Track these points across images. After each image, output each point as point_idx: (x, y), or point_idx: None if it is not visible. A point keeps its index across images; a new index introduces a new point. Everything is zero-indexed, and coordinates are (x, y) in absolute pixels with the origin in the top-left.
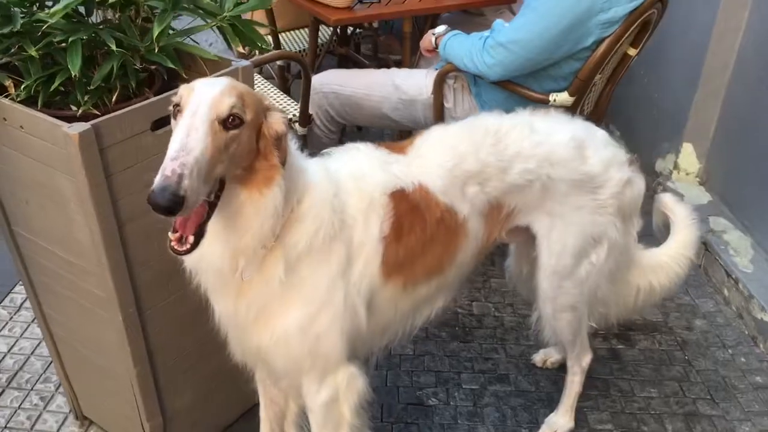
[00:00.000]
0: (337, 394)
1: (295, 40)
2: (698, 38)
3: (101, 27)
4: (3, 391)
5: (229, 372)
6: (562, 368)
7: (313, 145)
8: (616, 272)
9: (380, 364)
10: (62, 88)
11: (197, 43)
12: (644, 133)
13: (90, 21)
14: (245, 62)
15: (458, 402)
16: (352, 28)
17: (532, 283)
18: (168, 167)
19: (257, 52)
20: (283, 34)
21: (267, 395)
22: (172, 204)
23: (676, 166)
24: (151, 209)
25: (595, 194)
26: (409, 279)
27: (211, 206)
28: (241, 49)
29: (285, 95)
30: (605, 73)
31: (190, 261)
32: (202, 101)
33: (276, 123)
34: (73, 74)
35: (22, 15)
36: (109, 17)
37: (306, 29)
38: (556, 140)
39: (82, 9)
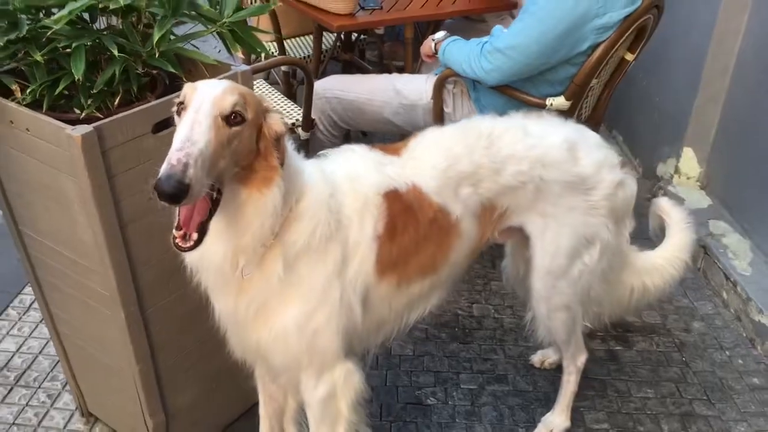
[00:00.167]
0: (335, 389)
1: (300, 47)
2: (698, 42)
3: (104, 33)
4: (11, 388)
5: (229, 371)
6: (559, 369)
7: (316, 150)
8: (609, 273)
9: (380, 364)
10: (66, 92)
11: (197, 48)
12: (645, 138)
13: (93, 27)
14: (244, 67)
15: (456, 401)
16: (356, 35)
17: (528, 284)
18: (174, 157)
19: (263, 57)
20: (288, 40)
21: (266, 392)
22: (177, 191)
23: (677, 171)
24: (158, 197)
25: (587, 195)
26: (403, 277)
27: (214, 204)
28: (240, 55)
29: (289, 100)
30: (602, 77)
31: (191, 259)
32: (205, 98)
33: (275, 124)
34: (77, 78)
35: (28, 21)
36: (112, 23)
37: (311, 36)
38: (548, 142)
39: (86, 15)
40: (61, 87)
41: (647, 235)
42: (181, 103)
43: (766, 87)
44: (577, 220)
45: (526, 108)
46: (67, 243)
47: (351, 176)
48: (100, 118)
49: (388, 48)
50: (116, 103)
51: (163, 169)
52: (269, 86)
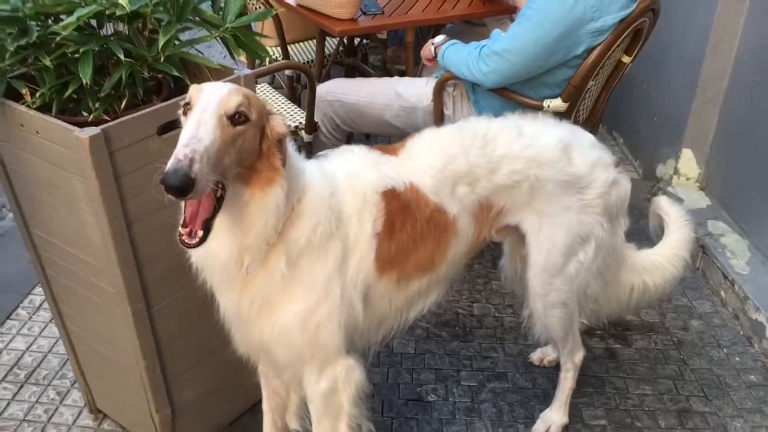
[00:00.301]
0: (336, 384)
1: (303, 52)
2: (695, 45)
3: (111, 38)
4: (22, 386)
5: (234, 368)
6: (558, 366)
7: (319, 152)
8: (605, 271)
9: (382, 362)
10: (75, 96)
11: (202, 53)
12: (645, 140)
13: (101, 33)
14: (247, 71)
15: (457, 398)
16: (358, 39)
17: (525, 281)
18: (180, 152)
19: (267, 62)
20: (292, 45)
21: (269, 387)
22: (183, 184)
23: (676, 172)
24: (164, 191)
25: (581, 194)
26: (402, 274)
27: (218, 202)
28: (244, 59)
29: (293, 104)
30: (599, 80)
31: (196, 257)
32: (211, 99)
33: (278, 125)
34: (84, 83)
35: (37, 28)
36: (118, 29)
37: (314, 41)
38: (543, 142)
39: (93, 22)
40: (69, 91)
41: (647, 235)
42: (188, 103)
43: (763, 88)
44: (572, 218)
45: (524, 110)
46: (75, 242)
47: (350, 175)
48: (107, 121)
49: (392, 52)
50: (123, 106)
51: (170, 163)
52: (273, 90)
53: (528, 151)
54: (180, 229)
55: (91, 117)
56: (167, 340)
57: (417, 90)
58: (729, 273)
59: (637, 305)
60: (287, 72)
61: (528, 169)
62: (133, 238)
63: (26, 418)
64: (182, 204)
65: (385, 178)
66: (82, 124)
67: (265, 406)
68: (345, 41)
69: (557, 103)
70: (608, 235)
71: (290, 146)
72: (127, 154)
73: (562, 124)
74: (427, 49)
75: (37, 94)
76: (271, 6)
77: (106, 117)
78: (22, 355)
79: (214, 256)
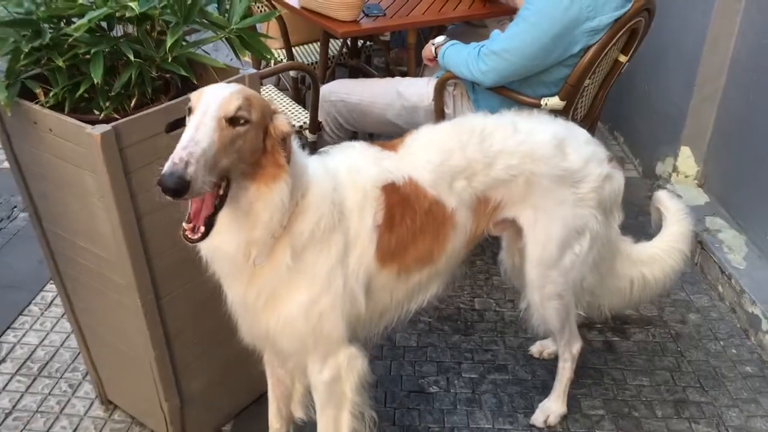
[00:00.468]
0: (339, 373)
1: (308, 54)
2: (693, 45)
3: (121, 40)
4: (35, 379)
5: (240, 359)
6: (557, 359)
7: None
8: (601, 263)
9: (385, 355)
10: (86, 95)
11: (208, 54)
12: (645, 139)
13: (111, 34)
14: (252, 70)
15: (458, 389)
16: (361, 41)
17: (522, 274)
18: (177, 155)
19: (272, 63)
20: (297, 48)
21: (274, 376)
22: (178, 186)
23: (675, 169)
24: (161, 192)
25: (576, 188)
26: (402, 267)
27: (221, 200)
28: (248, 60)
29: (297, 105)
30: (596, 78)
31: (206, 250)
32: (211, 102)
33: (282, 124)
34: (96, 82)
35: (50, 30)
36: (128, 31)
37: (318, 43)
38: (538, 138)
39: (104, 24)
40: (81, 90)
41: (647, 232)
42: (190, 107)
43: (760, 87)
44: (567, 211)
45: (523, 108)
46: (87, 236)
47: (351, 170)
48: (117, 119)
49: (395, 54)
50: (132, 105)
51: (167, 166)
52: (279, 92)
53: (523, 147)
54: (184, 224)
55: (102, 115)
56: (176, 331)
57: (418, 89)
58: (726, 268)
59: (640, 299)
60: (292, 74)
61: (523, 164)
62: (143, 231)
63: (39, 410)
64: (190, 201)
65: (385, 173)
66: (93, 122)
67: (271, 395)
68: (348, 43)
69: (555, 101)
70: (603, 228)
71: (295, 144)
72: (137, 150)
73: (557, 120)
74: (428, 50)
75: (51, 94)
76: (275, 8)
77: (116, 115)
78: (34, 350)
79: (223, 249)
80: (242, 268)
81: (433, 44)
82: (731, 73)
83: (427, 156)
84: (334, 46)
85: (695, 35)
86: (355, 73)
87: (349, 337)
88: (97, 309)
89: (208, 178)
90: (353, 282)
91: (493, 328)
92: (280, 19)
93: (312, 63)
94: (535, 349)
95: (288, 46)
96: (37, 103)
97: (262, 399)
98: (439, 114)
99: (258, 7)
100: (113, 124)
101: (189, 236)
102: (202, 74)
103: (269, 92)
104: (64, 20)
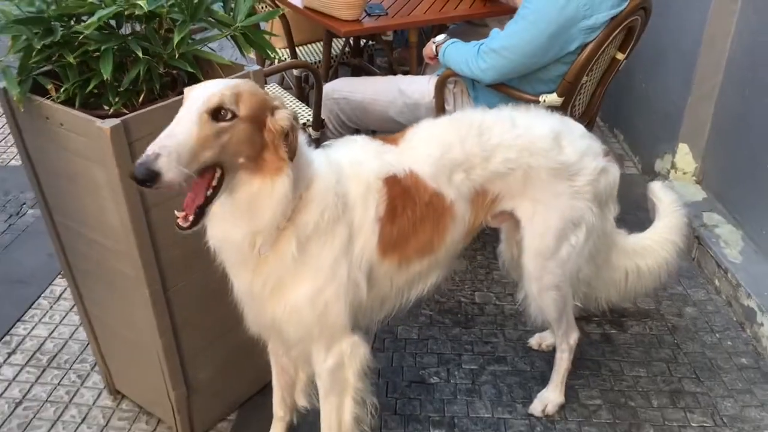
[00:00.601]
0: (342, 360)
1: (311, 53)
2: (690, 45)
3: (130, 37)
4: (44, 370)
5: (246, 349)
6: (556, 350)
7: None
8: (596, 255)
9: (386, 347)
10: (96, 91)
11: (213, 50)
12: (644, 136)
13: (120, 32)
14: (256, 67)
15: (458, 380)
16: (364, 41)
17: (520, 265)
18: (150, 148)
19: (277, 61)
20: (300, 47)
21: (278, 365)
22: (145, 177)
23: (673, 166)
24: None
25: (572, 181)
26: (403, 257)
27: (215, 190)
28: (252, 56)
29: (301, 103)
30: (594, 76)
31: (213, 240)
32: (197, 97)
33: (281, 120)
34: (105, 78)
35: (61, 28)
36: (136, 29)
37: (321, 42)
38: (535, 132)
39: (113, 22)
40: (91, 86)
41: (647, 228)
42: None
43: (755, 84)
44: (564, 204)
45: (522, 105)
46: (96, 227)
47: (354, 163)
48: (126, 114)
49: (398, 54)
50: (141, 100)
51: (141, 157)
52: (283, 90)
53: (521, 141)
54: (176, 212)
55: (111, 110)
56: (183, 322)
57: (419, 87)
58: (723, 262)
59: (635, 291)
60: (295, 72)
61: (521, 158)
62: (151, 223)
63: (49, 399)
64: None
65: (387, 166)
66: (103, 117)
67: (275, 384)
68: (351, 42)
69: (553, 98)
70: (598, 220)
71: (301, 138)
72: (145, 143)
73: (554, 115)
74: (429, 48)
75: (62, 90)
76: (278, 7)
77: (125, 110)
78: (44, 342)
79: (229, 239)
80: (248, 258)
81: (434, 43)
82: (728, 72)
83: (427, 149)
84: (337, 45)
85: (693, 35)
86: (358, 71)
87: (352, 325)
88: (106, 300)
89: (183, 169)
90: (356, 271)
91: (493, 321)
92: (283, 18)
93: (315, 62)
94: (534, 341)
95: (292, 46)
96: (48, 98)
97: (266, 389)
98: (440, 111)
99: (262, 8)
100: (122, 118)
101: (180, 224)
102: (208, 71)
103: (273, 90)
104: (75, 18)
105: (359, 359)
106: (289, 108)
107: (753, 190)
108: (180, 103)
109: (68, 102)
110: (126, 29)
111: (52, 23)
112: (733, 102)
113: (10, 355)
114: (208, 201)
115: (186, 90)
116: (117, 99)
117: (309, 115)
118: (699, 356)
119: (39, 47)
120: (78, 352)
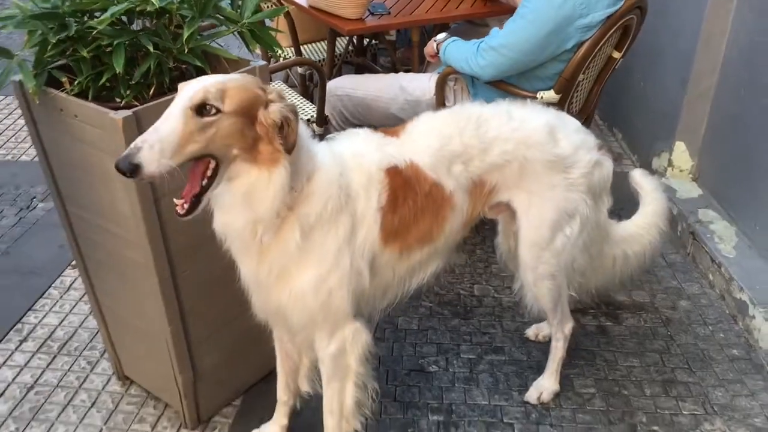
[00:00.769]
0: (345, 345)
1: (315, 52)
2: (687, 44)
3: (141, 33)
4: (55, 356)
5: (252, 336)
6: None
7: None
8: (591, 245)
9: (387, 337)
10: (108, 84)
11: (221, 45)
12: (641, 134)
13: (131, 28)
14: (261, 62)
15: (456, 369)
16: (367, 40)
17: (516, 256)
18: (134, 142)
19: (282, 59)
20: (305, 45)
21: (283, 351)
22: (127, 168)
23: (670, 164)
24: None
25: (566, 174)
26: (404, 245)
27: (210, 180)
28: (258, 52)
29: (305, 100)
30: (590, 73)
31: (218, 227)
32: (184, 94)
33: (272, 113)
34: (117, 72)
35: (75, 23)
36: (147, 25)
37: (326, 41)
38: (531, 125)
39: (125, 18)
40: (104, 79)
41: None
42: None
43: (751, 83)
44: (559, 195)
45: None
46: (107, 216)
47: (356, 155)
48: (137, 106)
49: (401, 54)
50: (151, 93)
51: (125, 150)
52: (288, 88)
53: (517, 134)
54: (175, 200)
55: (123, 102)
56: (190, 308)
57: (420, 84)
58: (716, 257)
59: (622, 275)
60: (300, 70)
61: (517, 150)
62: (160, 212)
63: (60, 384)
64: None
65: (388, 157)
66: (115, 109)
67: (279, 370)
68: (354, 41)
69: (550, 95)
70: (592, 212)
71: (303, 131)
72: None
73: (549, 109)
74: (430, 47)
75: (75, 83)
76: (283, 5)
77: (136, 102)
78: (54, 330)
79: (232, 227)
80: (250, 245)
81: (435, 41)
82: (724, 71)
83: (427, 141)
84: (341, 44)
85: (689, 34)
86: (361, 70)
87: (354, 312)
88: (116, 288)
89: (167, 162)
90: (359, 260)
91: (491, 313)
92: (288, 17)
93: (320, 60)
94: (530, 332)
95: (296, 45)
96: (62, 91)
97: (270, 376)
98: (441, 108)
99: (267, 6)
100: (134, 110)
101: (177, 211)
102: (215, 65)
103: (278, 87)
104: (88, 14)
105: (361, 345)
106: (288, 102)
107: (747, 188)
108: None
109: (81, 95)
110: (137, 25)
111: (67, 19)
112: (729, 101)
113: (21, 342)
114: (203, 190)
115: (180, 85)
116: (128, 92)
117: (313, 111)
118: (692, 347)
119: (54, 42)
120: (87, 340)
